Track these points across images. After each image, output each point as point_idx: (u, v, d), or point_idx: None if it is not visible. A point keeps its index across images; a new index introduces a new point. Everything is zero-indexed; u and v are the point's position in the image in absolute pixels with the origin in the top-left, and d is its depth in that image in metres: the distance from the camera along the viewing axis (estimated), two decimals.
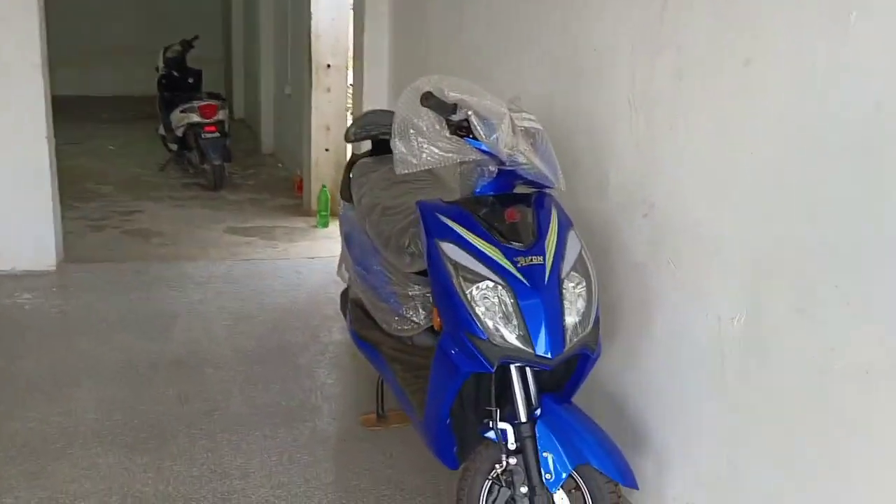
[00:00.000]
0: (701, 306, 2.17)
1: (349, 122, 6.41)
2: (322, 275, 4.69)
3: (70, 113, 8.48)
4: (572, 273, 2.06)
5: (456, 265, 2.02)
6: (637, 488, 2.07)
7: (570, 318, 2.01)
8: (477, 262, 2.01)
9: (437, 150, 2.06)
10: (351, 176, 3.10)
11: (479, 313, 1.97)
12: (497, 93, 3.06)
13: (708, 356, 2.16)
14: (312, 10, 6.13)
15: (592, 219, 2.64)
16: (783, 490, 1.93)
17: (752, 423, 2.02)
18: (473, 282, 1.99)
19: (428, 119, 2.07)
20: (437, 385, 2.16)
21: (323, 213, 6.03)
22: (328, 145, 6.31)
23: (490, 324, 1.96)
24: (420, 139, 2.08)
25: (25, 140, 4.31)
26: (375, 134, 3.19)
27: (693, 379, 2.22)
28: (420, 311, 2.60)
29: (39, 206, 4.46)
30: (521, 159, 2.09)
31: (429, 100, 2.03)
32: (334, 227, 5.88)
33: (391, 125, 3.19)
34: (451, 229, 2.08)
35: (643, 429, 2.45)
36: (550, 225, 2.11)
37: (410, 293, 2.61)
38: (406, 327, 2.64)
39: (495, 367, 1.96)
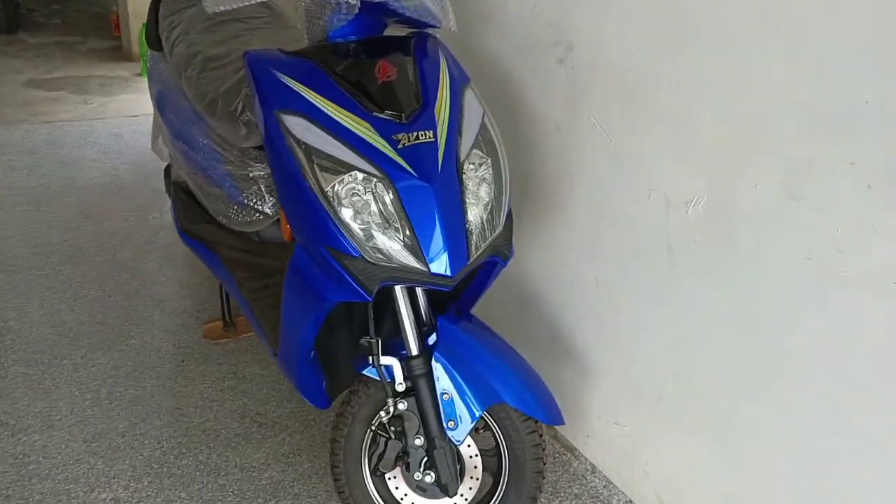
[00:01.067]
0: (639, 184, 1.64)
1: None
2: (149, 138, 3.85)
3: None
4: (474, 151, 1.46)
5: (308, 150, 1.37)
6: (563, 423, 1.60)
7: (475, 215, 1.44)
8: (339, 144, 1.37)
9: None
10: (158, 14, 2.29)
11: (347, 219, 1.36)
12: None
13: (649, 248, 1.66)
14: None
15: (486, 68, 2.01)
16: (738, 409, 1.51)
17: (707, 336, 1.57)
18: (336, 173, 1.36)
19: None
20: (292, 315, 1.56)
21: (146, 59, 5.04)
22: None
23: (362, 233, 1.36)
24: None
25: None
26: None
27: (630, 275, 1.73)
28: (266, 197, 1.95)
29: None
30: None
31: None
32: None
33: None
34: (298, 95, 1.41)
35: (563, 337, 1.97)
36: (440, 83, 1.48)
37: (252, 174, 1.95)
38: (249, 219, 1.99)
39: (374, 294, 1.38)
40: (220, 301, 2.42)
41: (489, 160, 1.48)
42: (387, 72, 1.45)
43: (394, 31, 1.59)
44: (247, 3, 1.40)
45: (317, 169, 1.37)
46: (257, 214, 1.97)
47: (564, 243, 1.90)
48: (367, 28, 1.54)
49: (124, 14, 5.36)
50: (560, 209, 1.88)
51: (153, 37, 2.28)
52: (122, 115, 4.26)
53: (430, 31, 1.59)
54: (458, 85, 1.50)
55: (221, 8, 1.40)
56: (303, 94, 1.41)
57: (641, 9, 1.55)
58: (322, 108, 1.39)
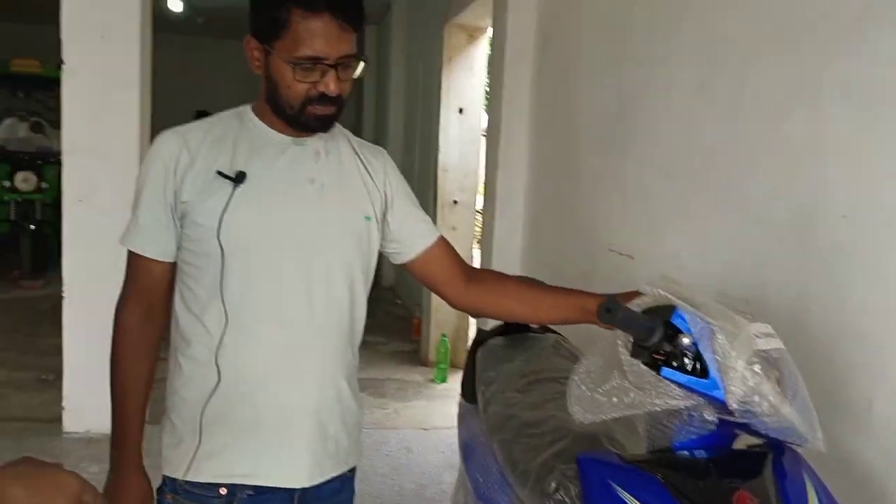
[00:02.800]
0: None
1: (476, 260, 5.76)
2: (437, 456, 3.88)
3: None
4: None
5: None
6: None
7: None
8: None
9: (626, 396, 1.28)
10: (476, 365, 2.34)
11: None
12: (677, 267, 2.26)
13: None
14: (440, 142, 5.63)
15: (842, 468, 1.73)
16: None
17: None
18: None
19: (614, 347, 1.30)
20: None
21: (442, 366, 5.30)
22: None
23: None
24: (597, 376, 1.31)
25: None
26: None
27: None
28: None
29: None
30: (762, 408, 1.27)
31: (614, 313, 1.26)
32: (454, 382, 5.14)
33: None
34: None
35: None
36: None
37: None
38: None
39: None
40: None
41: None
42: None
43: (743, 441, 1.41)
44: (620, 415, 1.32)
45: None
46: None
47: None
48: (717, 440, 1.38)
49: (426, 321, 5.76)
50: None
51: (468, 388, 2.31)
52: (413, 426, 4.39)
53: (789, 445, 1.40)
54: None
55: (590, 419, 1.34)
56: None
57: None
58: None
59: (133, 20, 3.66)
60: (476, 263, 4.70)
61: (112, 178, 3.65)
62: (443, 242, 1.78)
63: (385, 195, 1.70)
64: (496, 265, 3.96)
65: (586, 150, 3.23)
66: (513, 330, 2.45)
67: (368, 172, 1.67)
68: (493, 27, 4.21)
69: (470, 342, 5.63)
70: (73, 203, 3.76)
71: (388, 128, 8.14)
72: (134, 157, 3.72)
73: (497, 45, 4.10)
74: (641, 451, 1.44)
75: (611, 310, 1.28)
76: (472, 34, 5.59)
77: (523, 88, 3.95)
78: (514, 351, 2.32)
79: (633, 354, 1.33)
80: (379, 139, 8.99)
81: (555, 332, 2.47)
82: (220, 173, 1.53)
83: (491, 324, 2.53)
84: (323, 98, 1.51)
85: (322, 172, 1.60)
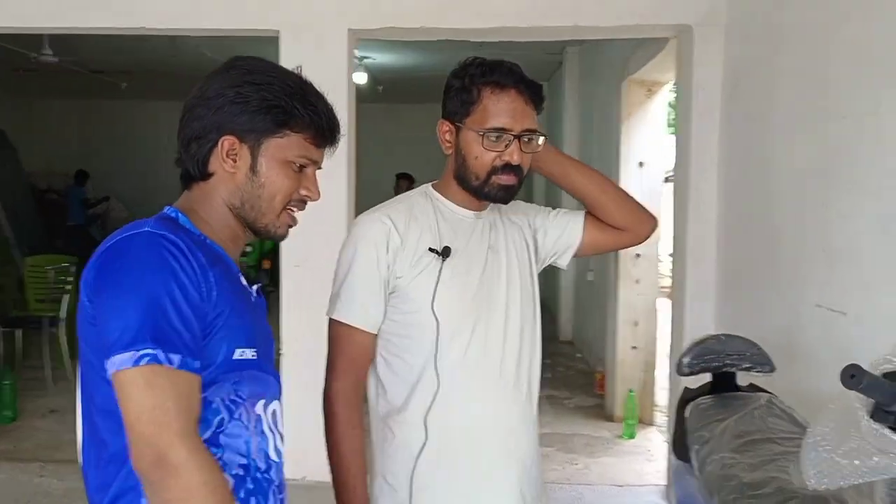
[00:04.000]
0: None
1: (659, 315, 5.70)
2: None
3: None
4: None
5: None
6: None
7: None
8: None
9: (869, 459, 1.29)
10: (687, 425, 2.36)
11: None
12: (890, 316, 2.19)
13: None
14: None
15: None
16: None
17: None
18: None
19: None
20: None
21: (630, 422, 5.25)
22: (636, 343, 5.61)
23: None
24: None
25: None
26: (718, 366, 2.46)
27: None
28: None
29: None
30: None
31: (859, 378, 1.29)
32: (642, 439, 5.09)
33: (736, 355, 2.48)
34: None
35: None
36: None
37: None
38: None
39: None
40: None
41: None
42: None
43: None
44: (861, 481, 1.34)
45: None
46: None
47: None
48: None
49: (611, 376, 5.74)
50: None
51: (680, 446, 2.33)
52: (606, 482, 4.39)
53: None
54: None
55: (827, 484, 1.36)
56: None
57: None
58: None
59: (342, 92, 4.00)
60: (666, 318, 4.65)
61: (326, 244, 4.00)
62: (587, 218, 1.93)
63: (532, 234, 1.90)
64: (688, 321, 3.93)
65: (783, 205, 3.18)
66: (720, 388, 2.45)
67: (519, 226, 1.88)
68: (678, 82, 4.25)
69: (658, 397, 5.57)
70: (290, 268, 4.15)
71: None
72: (343, 222, 4.05)
73: (683, 99, 4.13)
74: None
75: (854, 375, 1.30)
76: (651, 88, 5.64)
77: (711, 142, 3.94)
78: (725, 410, 2.31)
79: (876, 419, 1.34)
80: (550, 196, 9.11)
81: (766, 391, 2.44)
82: (431, 250, 1.71)
83: (691, 381, 2.54)
84: (507, 168, 1.68)
85: (497, 240, 1.81)
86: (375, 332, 1.74)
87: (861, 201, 2.57)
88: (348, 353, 1.74)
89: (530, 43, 3.89)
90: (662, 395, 5.66)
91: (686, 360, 2.45)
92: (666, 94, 5.76)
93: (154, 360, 1.17)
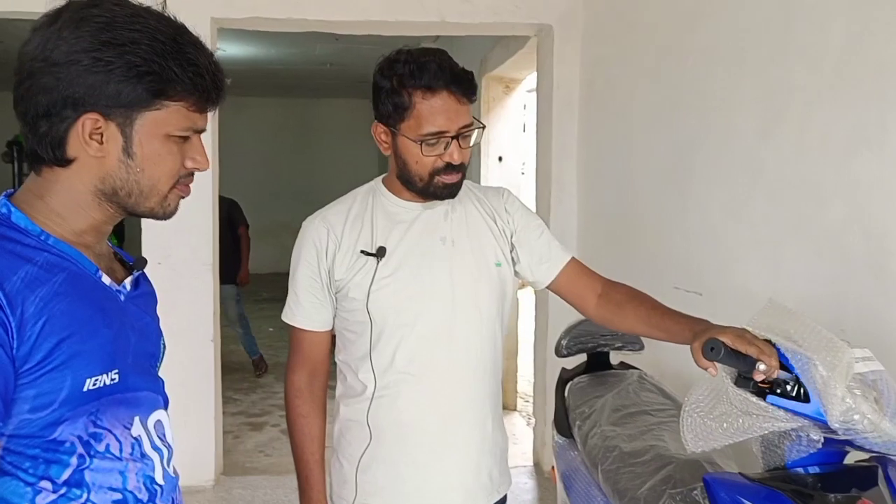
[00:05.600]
0: None
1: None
2: None
3: None
4: None
5: None
6: None
7: None
8: None
9: (736, 421, 1.43)
10: (567, 402, 2.48)
11: None
12: (748, 301, 2.41)
13: None
14: None
15: None
16: None
17: None
18: None
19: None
20: None
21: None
22: None
23: None
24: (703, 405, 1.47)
25: (192, 343, 4.01)
26: (593, 346, 2.61)
27: None
28: None
29: (202, 417, 4.09)
30: (863, 425, 1.41)
31: (717, 351, 1.41)
32: (506, 423, 5.24)
33: (609, 335, 2.63)
34: None
35: None
36: None
37: None
38: None
39: None
40: None
41: None
42: None
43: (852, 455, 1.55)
44: (732, 441, 1.46)
45: None
46: None
47: None
48: (829, 457, 1.52)
49: None
50: None
51: (562, 424, 2.46)
52: None
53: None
54: None
55: (702, 446, 1.48)
56: None
57: None
58: None
59: None
60: (528, 307, 4.82)
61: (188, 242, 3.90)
62: (573, 264, 1.90)
63: (510, 235, 1.86)
64: (552, 309, 4.10)
65: (644, 194, 3.40)
66: (595, 367, 2.61)
67: (493, 218, 1.85)
68: (539, 79, 4.42)
69: (519, 384, 5.67)
70: (154, 265, 3.98)
71: None
72: (209, 211, 3.99)
73: (543, 96, 4.30)
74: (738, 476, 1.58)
75: (714, 348, 1.42)
76: (509, 85, 5.82)
77: (571, 137, 4.14)
78: (601, 387, 2.46)
79: (739, 385, 1.47)
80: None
81: (634, 367, 2.62)
82: (363, 252, 1.72)
83: (567, 362, 2.68)
84: (449, 167, 1.70)
85: (452, 229, 1.78)
86: (327, 328, 1.81)
87: (713, 189, 2.80)
88: (301, 350, 1.82)
89: (388, 38, 3.94)
90: (523, 383, 5.86)
91: (564, 342, 2.59)
92: (523, 91, 5.96)
93: None
